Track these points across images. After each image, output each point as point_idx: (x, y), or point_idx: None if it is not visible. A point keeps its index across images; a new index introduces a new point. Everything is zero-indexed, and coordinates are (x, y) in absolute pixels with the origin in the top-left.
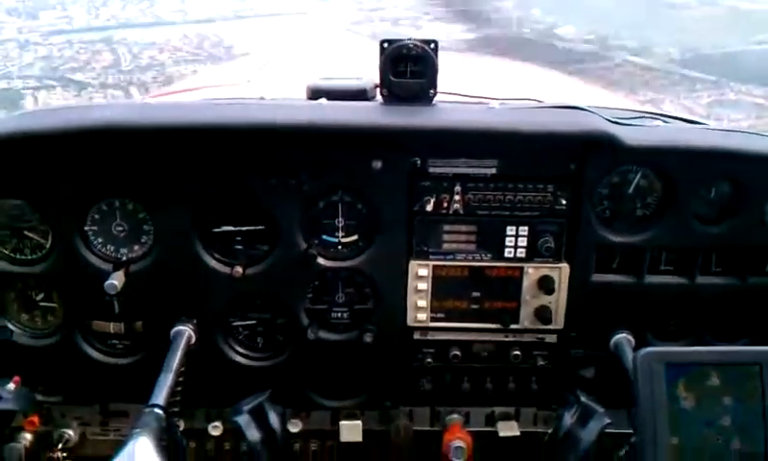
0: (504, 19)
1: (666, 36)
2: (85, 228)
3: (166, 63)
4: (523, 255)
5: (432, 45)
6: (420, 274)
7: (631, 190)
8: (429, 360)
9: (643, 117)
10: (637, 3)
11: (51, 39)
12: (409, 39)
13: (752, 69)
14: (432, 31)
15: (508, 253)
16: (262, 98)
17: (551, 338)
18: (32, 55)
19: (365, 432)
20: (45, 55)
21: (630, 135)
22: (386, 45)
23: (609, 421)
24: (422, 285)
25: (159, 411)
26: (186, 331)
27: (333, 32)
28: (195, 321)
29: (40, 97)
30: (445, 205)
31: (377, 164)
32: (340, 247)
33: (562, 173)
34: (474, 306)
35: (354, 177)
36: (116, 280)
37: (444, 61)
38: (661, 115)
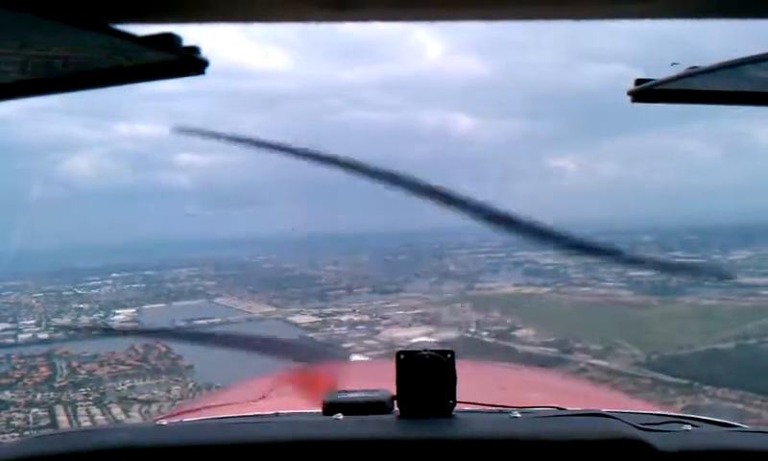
0: (463, 321)
1: (628, 336)
2: None
3: (103, 378)
4: None
5: (449, 355)
6: None
7: None
8: None
9: (671, 422)
10: (600, 312)
11: None
12: (425, 351)
13: (722, 370)
14: (389, 333)
15: None
16: (277, 414)
17: None
18: None
19: None
20: None
21: (660, 442)
22: (402, 356)
23: None
24: None
25: None
26: None
27: (290, 337)
28: None
29: None
30: None
31: None
32: None
33: None
34: None
35: None
36: None
37: (462, 371)
38: (690, 419)
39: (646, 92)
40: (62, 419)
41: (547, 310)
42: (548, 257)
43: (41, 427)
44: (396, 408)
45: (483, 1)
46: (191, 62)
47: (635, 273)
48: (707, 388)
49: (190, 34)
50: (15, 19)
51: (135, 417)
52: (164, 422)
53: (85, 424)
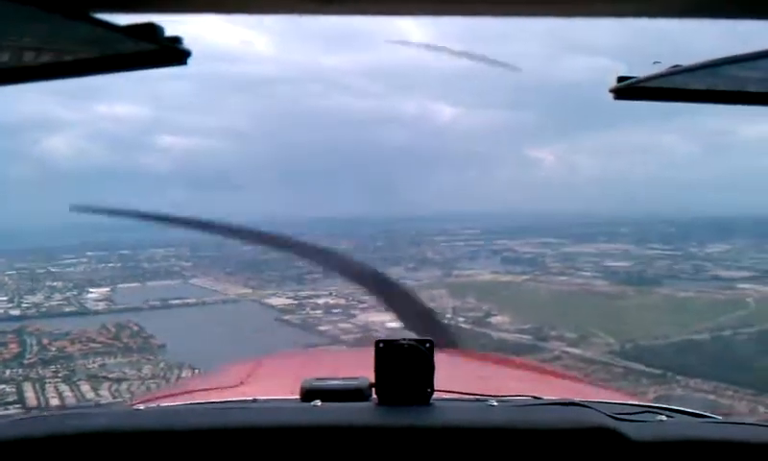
0: (439, 307)
1: (603, 325)
2: None
3: (74, 356)
4: None
5: (428, 344)
6: None
7: None
8: None
9: (646, 412)
10: (576, 301)
11: None
12: (403, 339)
13: (696, 361)
14: (365, 318)
15: None
16: (255, 400)
17: None
18: None
19: None
20: None
21: (634, 431)
22: (381, 345)
23: None
24: None
25: None
26: None
27: (265, 319)
28: None
29: None
30: None
31: None
32: None
33: None
34: None
35: None
36: None
37: (440, 360)
38: (665, 409)
39: (628, 89)
40: (30, 396)
41: (524, 298)
42: (527, 246)
43: (8, 403)
44: (375, 396)
45: None
46: (173, 53)
47: (612, 263)
48: (679, 378)
49: (172, 21)
50: None
51: (105, 395)
52: (141, 406)
53: (53, 401)
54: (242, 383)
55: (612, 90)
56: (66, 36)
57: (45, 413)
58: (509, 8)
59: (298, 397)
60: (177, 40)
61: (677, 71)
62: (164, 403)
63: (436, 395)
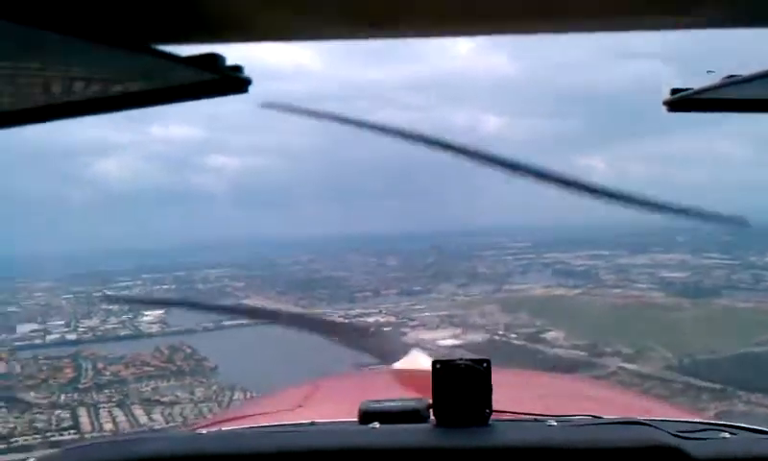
0: (491, 324)
1: (660, 339)
2: None
3: (128, 380)
4: None
5: (485, 364)
6: None
7: None
8: None
9: (709, 429)
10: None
11: (18, 355)
12: (460, 359)
13: (757, 375)
14: (415, 335)
15: None
16: (313, 423)
17: None
18: None
19: None
20: (3, 372)
21: (697, 449)
22: (438, 365)
23: None
24: None
25: None
26: None
27: (316, 338)
28: None
29: None
30: None
31: None
32: None
33: None
34: None
35: None
36: None
37: (498, 379)
38: (728, 426)
39: (683, 101)
40: (84, 421)
41: (577, 312)
42: (579, 258)
43: (63, 429)
44: (433, 417)
45: (520, 14)
46: (234, 82)
47: (668, 274)
48: (741, 393)
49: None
50: (59, 41)
51: (158, 419)
52: (203, 430)
53: (107, 426)
54: (300, 406)
55: (665, 103)
56: (129, 69)
57: (105, 438)
58: (558, 24)
59: (356, 419)
60: (238, 69)
61: (733, 81)
62: (225, 427)
63: (494, 415)
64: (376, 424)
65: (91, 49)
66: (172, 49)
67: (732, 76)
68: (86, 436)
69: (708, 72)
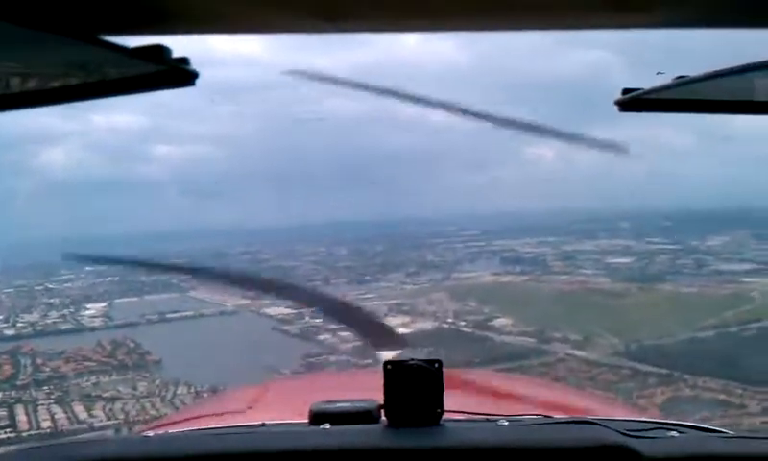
0: (440, 311)
1: (607, 325)
2: None
3: (68, 376)
4: None
5: (436, 364)
6: None
7: None
8: None
9: (657, 428)
10: (578, 300)
11: None
12: (412, 360)
13: (703, 359)
14: None
15: None
16: (263, 424)
17: None
18: None
19: None
20: None
21: (646, 448)
22: (389, 366)
23: None
24: None
25: None
26: None
27: (263, 330)
28: None
29: None
30: None
31: None
32: None
33: None
34: None
35: None
36: None
37: (450, 380)
38: (676, 425)
39: (634, 102)
40: (22, 419)
41: (526, 299)
42: (527, 246)
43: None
44: (384, 418)
45: (474, 12)
46: (181, 74)
47: (613, 260)
48: (687, 377)
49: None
50: (4, 31)
51: (99, 415)
52: (150, 433)
53: (45, 424)
54: (250, 408)
55: (617, 103)
56: (73, 58)
57: (52, 442)
58: (515, 21)
59: (306, 420)
60: (184, 61)
61: (682, 82)
62: (173, 430)
63: (446, 415)
64: (327, 426)
65: (36, 37)
66: (119, 40)
67: (681, 77)
68: (23, 435)
69: (657, 73)
